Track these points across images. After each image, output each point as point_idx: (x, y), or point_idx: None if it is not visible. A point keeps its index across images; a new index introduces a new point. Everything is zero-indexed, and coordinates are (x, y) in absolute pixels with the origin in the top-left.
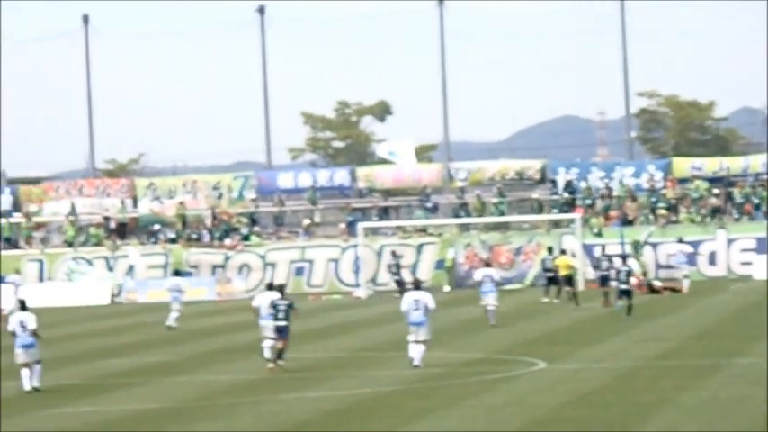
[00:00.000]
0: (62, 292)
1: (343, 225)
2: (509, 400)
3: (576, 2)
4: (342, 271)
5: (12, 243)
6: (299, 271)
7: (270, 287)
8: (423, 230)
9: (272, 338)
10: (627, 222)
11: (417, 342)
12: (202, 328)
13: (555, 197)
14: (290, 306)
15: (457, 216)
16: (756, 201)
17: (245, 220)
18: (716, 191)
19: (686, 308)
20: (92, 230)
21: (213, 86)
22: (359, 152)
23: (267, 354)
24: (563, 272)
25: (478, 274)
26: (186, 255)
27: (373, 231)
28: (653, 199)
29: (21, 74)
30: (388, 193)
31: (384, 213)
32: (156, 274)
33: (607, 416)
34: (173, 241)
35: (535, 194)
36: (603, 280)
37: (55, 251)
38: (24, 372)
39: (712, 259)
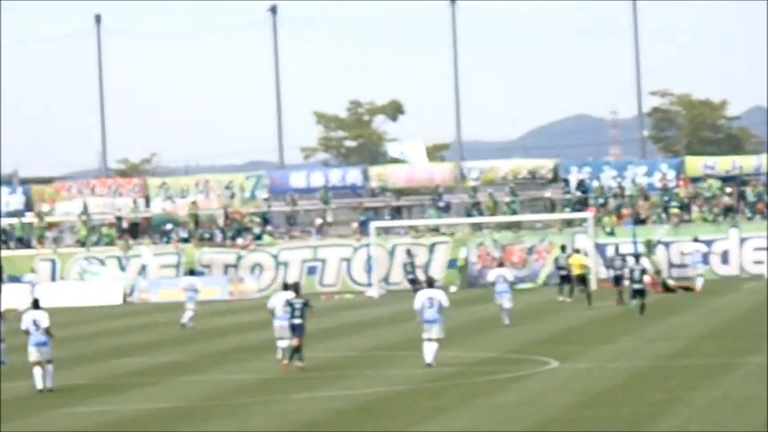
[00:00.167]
0: (74, 291)
1: (355, 224)
2: (521, 400)
3: (588, 1)
4: (354, 270)
5: (24, 243)
6: (312, 270)
7: (285, 287)
8: (435, 230)
9: (285, 338)
10: (639, 221)
11: (430, 340)
12: (215, 327)
13: (567, 196)
14: (305, 304)
15: (469, 215)
16: None
17: (257, 219)
18: (728, 190)
19: (698, 307)
20: (104, 230)
21: (226, 86)
22: (371, 151)
23: (280, 354)
24: (576, 271)
25: (492, 275)
26: (198, 254)
27: (386, 231)
28: (665, 198)
29: (33, 74)
30: (400, 193)
31: (396, 213)
32: (169, 274)
33: (619, 415)
34: (185, 241)
35: (547, 193)
36: (617, 280)
37: (67, 251)
38: (36, 370)
39: (725, 258)
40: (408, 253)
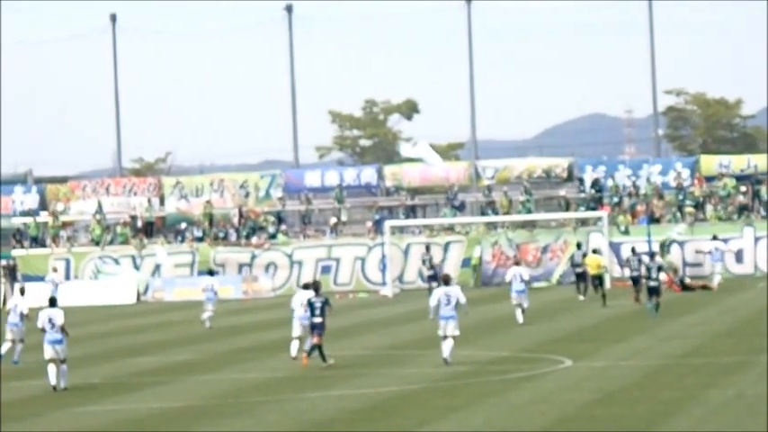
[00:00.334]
0: (89, 290)
1: (369, 223)
2: (535, 398)
3: (603, 0)
4: (368, 269)
5: (39, 242)
6: (326, 269)
7: (305, 286)
8: (450, 228)
9: (301, 337)
10: (654, 220)
11: (446, 337)
12: (228, 326)
13: (582, 195)
14: (325, 303)
15: (484, 214)
16: None
17: (271, 218)
18: (743, 188)
19: (713, 305)
20: (119, 229)
21: (241, 85)
22: (386, 150)
23: (294, 352)
24: (593, 271)
25: (509, 274)
26: (213, 253)
27: (400, 230)
28: (680, 197)
29: (48, 73)
30: (415, 192)
31: (411, 212)
32: (183, 273)
33: (633, 413)
34: (199, 240)
35: (562, 192)
36: (635, 280)
37: (82, 250)
38: (51, 367)
39: (739, 257)
40: (427, 248)
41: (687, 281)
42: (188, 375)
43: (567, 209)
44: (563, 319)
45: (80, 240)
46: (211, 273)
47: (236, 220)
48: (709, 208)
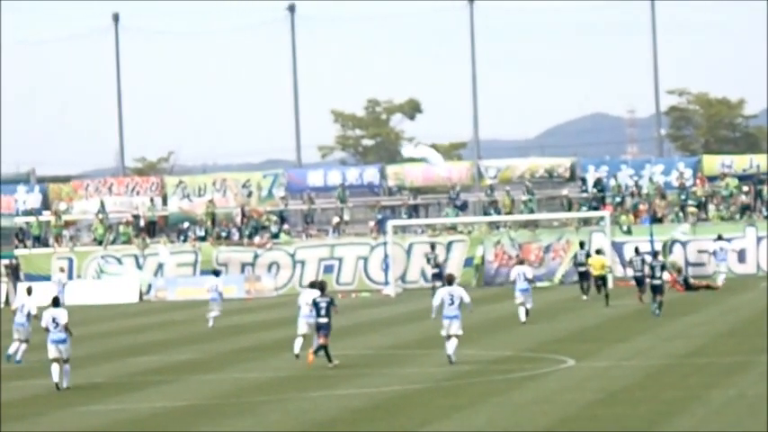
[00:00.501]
0: (91, 290)
1: (372, 223)
2: (538, 398)
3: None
4: (371, 269)
5: (41, 241)
6: (329, 269)
7: (312, 285)
8: (452, 228)
9: (303, 336)
10: (656, 220)
11: (450, 336)
12: (231, 325)
13: (584, 195)
14: (330, 303)
15: (486, 214)
16: None
17: (274, 217)
18: (745, 188)
19: (715, 305)
20: (121, 229)
21: (243, 84)
22: (389, 150)
23: (296, 349)
24: (597, 272)
25: (513, 273)
26: (215, 253)
27: (403, 229)
28: (683, 197)
29: (51, 72)
30: (417, 191)
31: (413, 211)
32: (186, 273)
33: (636, 413)
34: (202, 239)
35: (564, 192)
36: (638, 281)
37: (84, 249)
38: (54, 367)
39: (742, 257)
40: (432, 247)
41: (692, 281)
42: (190, 375)
43: (570, 209)
44: (565, 318)
45: (83, 240)
46: (216, 273)
47: (238, 220)
48: (711, 208)
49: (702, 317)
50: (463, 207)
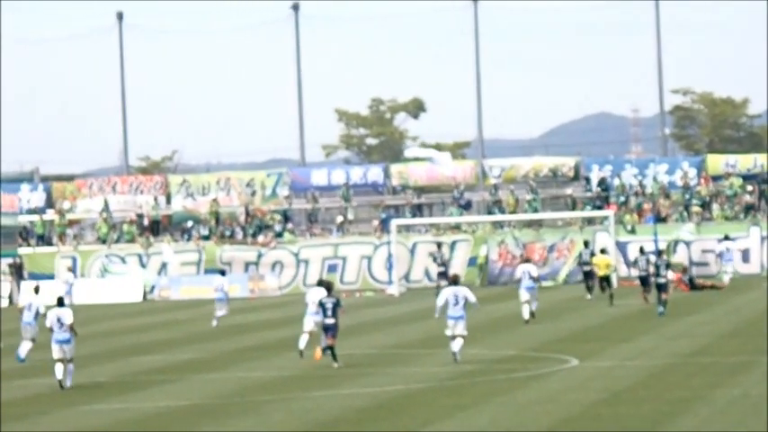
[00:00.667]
0: (95, 289)
1: (376, 222)
2: (541, 398)
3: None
4: (375, 268)
5: (45, 240)
6: (332, 268)
7: (320, 283)
8: (456, 227)
9: (309, 333)
10: (660, 219)
11: (455, 336)
12: (235, 324)
13: (588, 194)
14: (336, 304)
15: (490, 213)
16: None
17: (278, 216)
18: (750, 188)
19: (719, 305)
20: (125, 227)
21: (247, 83)
22: (393, 149)
23: (302, 345)
24: (602, 271)
25: (518, 271)
26: (219, 252)
27: (407, 228)
28: (687, 196)
29: (55, 71)
30: (421, 190)
31: (417, 210)
32: (190, 272)
33: (639, 413)
34: (206, 238)
35: (569, 191)
36: (643, 281)
37: (88, 248)
38: (58, 366)
39: (746, 256)
40: (438, 246)
41: (698, 280)
42: (194, 374)
43: (574, 208)
44: (569, 318)
45: (86, 238)
46: (223, 273)
47: (242, 219)
48: (715, 207)
49: (706, 316)
50: (467, 206)
